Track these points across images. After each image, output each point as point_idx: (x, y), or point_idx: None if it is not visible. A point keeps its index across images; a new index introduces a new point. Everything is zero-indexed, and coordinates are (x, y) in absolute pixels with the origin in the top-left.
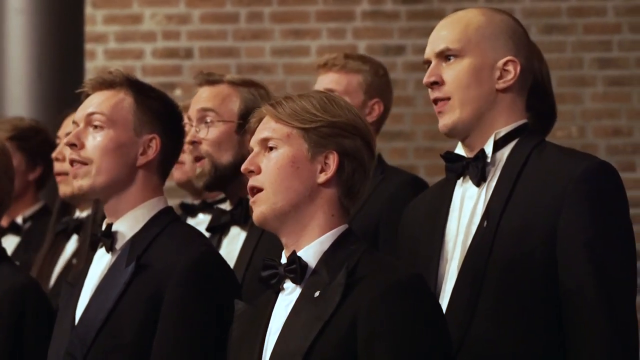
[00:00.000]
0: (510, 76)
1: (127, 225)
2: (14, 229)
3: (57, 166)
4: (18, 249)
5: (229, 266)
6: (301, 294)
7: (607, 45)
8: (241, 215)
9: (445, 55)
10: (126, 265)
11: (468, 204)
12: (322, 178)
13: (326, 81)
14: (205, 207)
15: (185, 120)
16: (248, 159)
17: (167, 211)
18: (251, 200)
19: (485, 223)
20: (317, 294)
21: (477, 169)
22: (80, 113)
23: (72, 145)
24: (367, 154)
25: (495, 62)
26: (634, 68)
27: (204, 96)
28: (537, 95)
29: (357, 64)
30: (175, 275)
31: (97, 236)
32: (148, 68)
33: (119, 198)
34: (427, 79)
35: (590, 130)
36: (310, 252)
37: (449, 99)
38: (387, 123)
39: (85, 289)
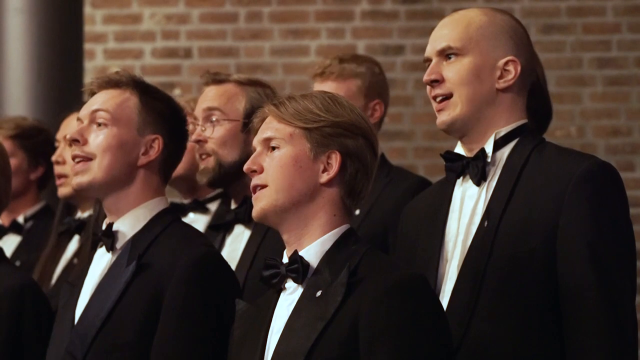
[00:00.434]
0: (510, 76)
1: (127, 225)
2: (15, 228)
3: (58, 169)
4: (19, 248)
5: (229, 266)
6: (303, 294)
7: (606, 45)
8: (245, 214)
9: (446, 54)
10: (127, 265)
11: (468, 204)
12: (324, 178)
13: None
14: (196, 206)
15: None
16: (250, 158)
17: (168, 211)
18: (254, 196)
19: (485, 223)
20: (318, 293)
21: (477, 168)
22: (85, 110)
23: (75, 141)
24: (370, 154)
25: (495, 62)
26: (633, 68)
27: (210, 95)
28: (534, 95)
29: (353, 67)
30: (175, 274)
31: (98, 236)
32: (147, 68)
33: (118, 197)
34: (427, 76)
35: (590, 130)
36: (312, 252)
37: (450, 95)
38: (387, 123)
39: (85, 289)
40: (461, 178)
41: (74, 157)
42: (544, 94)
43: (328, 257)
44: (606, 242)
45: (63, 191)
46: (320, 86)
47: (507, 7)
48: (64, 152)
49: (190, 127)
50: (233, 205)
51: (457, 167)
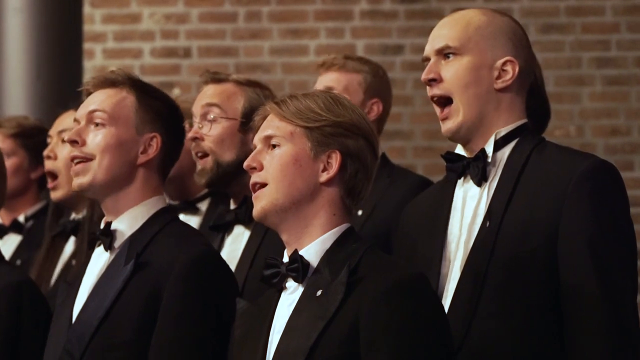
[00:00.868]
0: (508, 76)
1: (126, 224)
2: (16, 227)
3: (49, 164)
4: (20, 247)
5: (227, 265)
6: (303, 293)
7: (606, 44)
8: (245, 214)
9: (444, 53)
10: (125, 264)
11: (470, 204)
12: (324, 177)
13: (326, 80)
14: (186, 207)
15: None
16: (251, 155)
17: (166, 210)
18: (254, 195)
19: (487, 223)
20: (319, 292)
21: (478, 168)
22: (82, 111)
23: (73, 142)
24: (370, 154)
25: (494, 62)
26: (632, 67)
27: (209, 93)
28: (532, 96)
29: (357, 64)
30: (174, 273)
31: (96, 234)
32: (146, 67)
33: (117, 196)
34: (425, 75)
35: (589, 129)
36: (312, 251)
37: (448, 97)
38: (386, 122)
39: (83, 287)
40: (462, 178)
41: (72, 158)
42: (542, 94)
43: (328, 256)
44: (607, 241)
45: (56, 195)
46: (323, 77)
47: (506, 6)
48: (55, 147)
49: (187, 126)
50: (232, 206)
51: (458, 168)
